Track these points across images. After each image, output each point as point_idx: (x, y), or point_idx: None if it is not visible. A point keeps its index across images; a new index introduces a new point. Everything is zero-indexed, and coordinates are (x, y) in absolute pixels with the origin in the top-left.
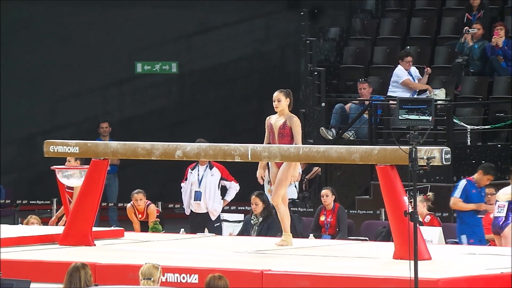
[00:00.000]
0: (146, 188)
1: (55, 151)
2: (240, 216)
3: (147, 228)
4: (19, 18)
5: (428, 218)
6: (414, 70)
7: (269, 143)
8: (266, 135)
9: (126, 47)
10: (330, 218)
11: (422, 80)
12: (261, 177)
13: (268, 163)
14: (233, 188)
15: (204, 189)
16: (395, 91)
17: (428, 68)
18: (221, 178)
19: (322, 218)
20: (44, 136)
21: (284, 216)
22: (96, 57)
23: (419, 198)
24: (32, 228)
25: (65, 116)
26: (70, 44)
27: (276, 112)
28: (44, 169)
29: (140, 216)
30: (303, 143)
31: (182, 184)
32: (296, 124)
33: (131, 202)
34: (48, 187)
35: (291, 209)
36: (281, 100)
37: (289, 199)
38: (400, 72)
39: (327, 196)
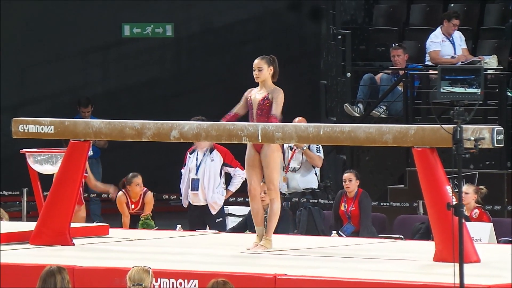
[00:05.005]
0: None
1: (26, 131)
2: (248, 210)
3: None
4: None
5: (476, 212)
6: (458, 36)
7: (237, 114)
8: (238, 106)
9: (111, 6)
10: (352, 206)
11: None
12: None
13: (282, 145)
14: (238, 176)
15: (202, 177)
16: None
17: None
18: (224, 164)
19: (343, 207)
20: (12, 113)
21: (276, 215)
22: (75, 17)
23: (469, 187)
24: None
25: (37, 87)
26: (44, 1)
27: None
28: (12, 153)
29: (133, 206)
30: (324, 121)
31: (182, 171)
32: (279, 96)
33: (123, 190)
34: (17, 175)
35: (311, 200)
36: (262, 69)
37: (308, 189)
38: (433, 39)
39: (351, 181)
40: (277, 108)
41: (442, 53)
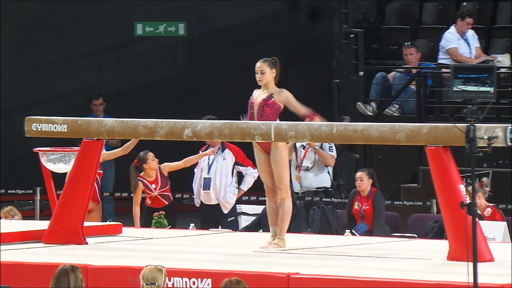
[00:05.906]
0: None
1: (39, 129)
2: (261, 209)
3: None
4: None
5: (488, 211)
6: (471, 35)
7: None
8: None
9: (123, 5)
10: (366, 205)
11: None
12: None
13: (295, 144)
14: (250, 174)
15: (214, 176)
16: (445, 58)
17: None
18: (236, 163)
19: (356, 206)
20: (25, 112)
21: (288, 214)
22: (88, 16)
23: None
24: (11, 223)
25: (49, 87)
26: (56, 1)
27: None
28: (25, 152)
29: (154, 186)
30: (337, 120)
31: (194, 170)
32: (289, 96)
33: (138, 178)
34: (30, 174)
35: (324, 199)
36: (265, 72)
37: (321, 188)
38: (450, 36)
39: (362, 180)
40: (299, 106)
41: (458, 51)
